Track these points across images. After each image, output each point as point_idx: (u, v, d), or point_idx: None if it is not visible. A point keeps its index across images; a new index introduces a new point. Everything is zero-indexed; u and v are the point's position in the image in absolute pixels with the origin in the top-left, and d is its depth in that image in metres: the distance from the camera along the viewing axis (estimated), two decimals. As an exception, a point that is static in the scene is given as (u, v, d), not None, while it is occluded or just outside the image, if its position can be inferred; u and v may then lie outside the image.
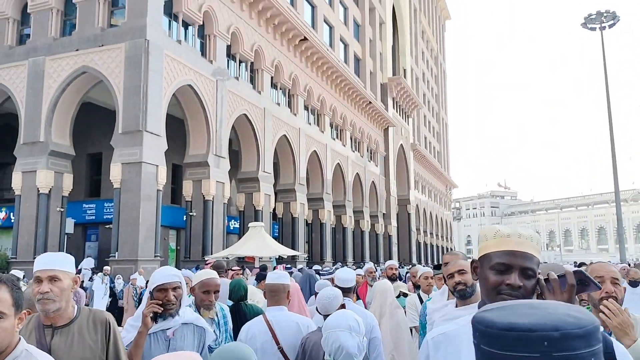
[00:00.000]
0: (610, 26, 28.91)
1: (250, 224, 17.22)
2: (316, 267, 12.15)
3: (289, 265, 16.71)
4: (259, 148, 23.53)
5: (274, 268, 11.41)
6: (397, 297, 6.32)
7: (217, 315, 3.41)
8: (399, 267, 14.45)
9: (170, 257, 25.42)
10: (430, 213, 56.21)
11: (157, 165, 17.34)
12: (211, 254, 18.09)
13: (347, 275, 4.60)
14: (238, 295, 4.38)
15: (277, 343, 3.21)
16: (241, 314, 4.39)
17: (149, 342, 2.67)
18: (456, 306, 2.87)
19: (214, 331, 3.40)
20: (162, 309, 2.66)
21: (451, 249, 68.65)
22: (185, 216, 20.65)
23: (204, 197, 20.00)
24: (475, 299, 2.78)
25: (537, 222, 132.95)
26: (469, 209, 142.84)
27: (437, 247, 59.15)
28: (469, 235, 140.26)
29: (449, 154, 69.64)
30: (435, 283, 4.25)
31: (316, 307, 3.41)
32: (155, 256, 17.00)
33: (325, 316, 3.06)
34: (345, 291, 4.52)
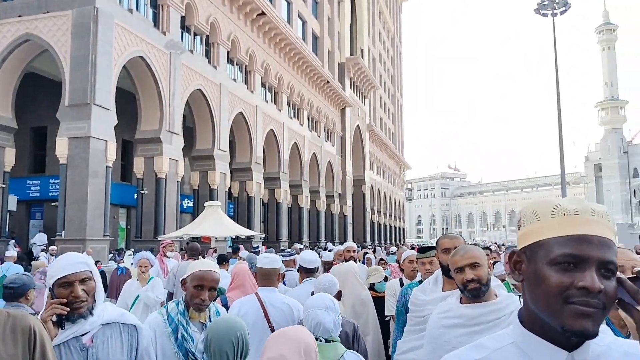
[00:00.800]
0: (562, 12, 29.63)
1: (206, 203, 16.72)
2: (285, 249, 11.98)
3: (237, 246, 16.47)
4: (214, 125, 22.90)
5: (232, 249, 11.06)
6: (379, 282, 6.12)
7: (209, 320, 2.60)
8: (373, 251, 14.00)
9: (121, 237, 24.61)
10: (385, 193, 56.93)
11: (106, 141, 16.53)
12: (164, 234, 17.56)
13: (310, 256, 4.69)
14: None
15: (269, 322, 3.22)
16: None
17: (59, 356, 2.03)
18: (461, 301, 2.31)
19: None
20: (68, 309, 2.04)
21: (404, 229, 69.99)
22: (136, 194, 19.91)
23: (156, 175, 19.31)
24: (488, 297, 2.29)
25: (484, 203, 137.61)
26: (420, 190, 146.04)
27: (391, 227, 60.14)
28: (419, 216, 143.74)
29: (403, 136, 70.51)
30: (419, 268, 3.75)
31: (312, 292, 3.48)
32: (104, 235, 16.32)
33: None
34: (309, 272, 4.66)
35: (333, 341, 2.49)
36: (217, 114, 23.03)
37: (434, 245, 3.15)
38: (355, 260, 6.33)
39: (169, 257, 8.93)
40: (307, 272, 4.61)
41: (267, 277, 3.59)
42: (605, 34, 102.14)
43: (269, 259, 3.70)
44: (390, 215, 59.25)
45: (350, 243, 6.96)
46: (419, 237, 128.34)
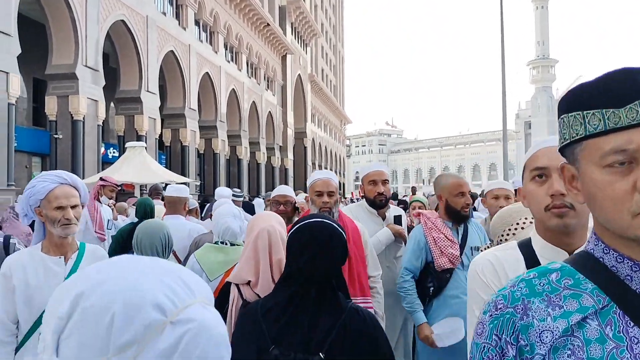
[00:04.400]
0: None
1: (128, 144, 14.32)
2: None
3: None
4: (141, 64, 20.20)
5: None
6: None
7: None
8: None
9: (35, 190, 21.69)
10: (326, 147, 55.61)
11: (7, 73, 13.75)
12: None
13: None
14: (142, 211, 4.50)
15: None
16: None
17: None
18: None
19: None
20: None
21: (343, 185, 69.44)
22: (50, 139, 17.22)
23: (72, 117, 16.65)
24: None
25: (420, 159, 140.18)
26: (358, 146, 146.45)
27: (331, 181, 59.23)
28: (357, 172, 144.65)
29: (344, 89, 68.92)
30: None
31: None
32: (8, 185, 13.81)
33: None
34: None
35: (237, 244, 2.96)
36: (143, 51, 20.29)
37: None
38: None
39: (101, 203, 6.97)
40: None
41: (172, 205, 4.22)
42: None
43: (175, 189, 4.24)
44: (331, 169, 58.19)
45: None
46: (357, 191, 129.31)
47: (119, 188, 7.08)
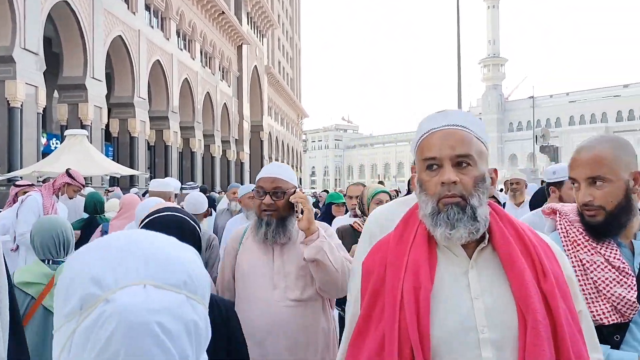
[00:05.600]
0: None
1: (67, 132, 13.14)
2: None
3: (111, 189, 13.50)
4: (86, 49, 18.88)
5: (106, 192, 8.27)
6: None
7: None
8: None
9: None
10: (282, 141, 54.84)
11: None
12: (20, 178, 13.89)
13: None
14: (91, 207, 4.68)
15: None
16: (93, 225, 4.99)
17: None
18: None
19: None
20: None
21: (300, 180, 68.92)
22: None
23: (8, 103, 15.27)
24: None
25: (376, 154, 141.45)
26: (314, 141, 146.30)
27: (287, 176, 58.54)
28: (313, 167, 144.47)
29: (301, 82, 68.22)
30: None
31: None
32: None
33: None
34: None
35: None
36: (89, 34, 18.98)
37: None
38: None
39: (58, 200, 6.12)
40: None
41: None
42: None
43: (159, 183, 4.40)
44: (288, 164, 57.51)
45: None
46: (313, 188, 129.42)
47: (84, 188, 6.12)
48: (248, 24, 40.13)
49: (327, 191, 18.75)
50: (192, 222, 1.76)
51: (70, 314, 0.59)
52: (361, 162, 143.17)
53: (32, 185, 7.02)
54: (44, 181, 9.81)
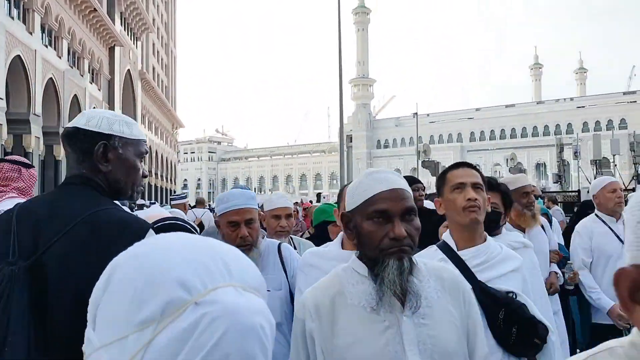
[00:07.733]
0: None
1: None
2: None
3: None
4: None
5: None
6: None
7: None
8: None
9: None
10: (157, 152, 51.90)
11: None
12: None
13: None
14: None
15: None
16: None
17: None
18: None
19: None
20: None
21: (174, 191, 65.82)
22: None
23: None
24: None
25: (250, 168, 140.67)
26: (187, 153, 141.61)
27: (163, 188, 55.37)
28: (185, 179, 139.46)
29: (176, 91, 65.46)
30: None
31: None
32: None
33: None
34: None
35: None
36: None
37: None
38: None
39: None
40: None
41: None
42: (360, 16, 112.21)
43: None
44: (162, 176, 54.52)
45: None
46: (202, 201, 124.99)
47: None
48: (122, 24, 37.50)
49: (311, 202, 15.79)
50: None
51: (146, 321, 0.54)
52: (236, 175, 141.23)
53: None
54: None
